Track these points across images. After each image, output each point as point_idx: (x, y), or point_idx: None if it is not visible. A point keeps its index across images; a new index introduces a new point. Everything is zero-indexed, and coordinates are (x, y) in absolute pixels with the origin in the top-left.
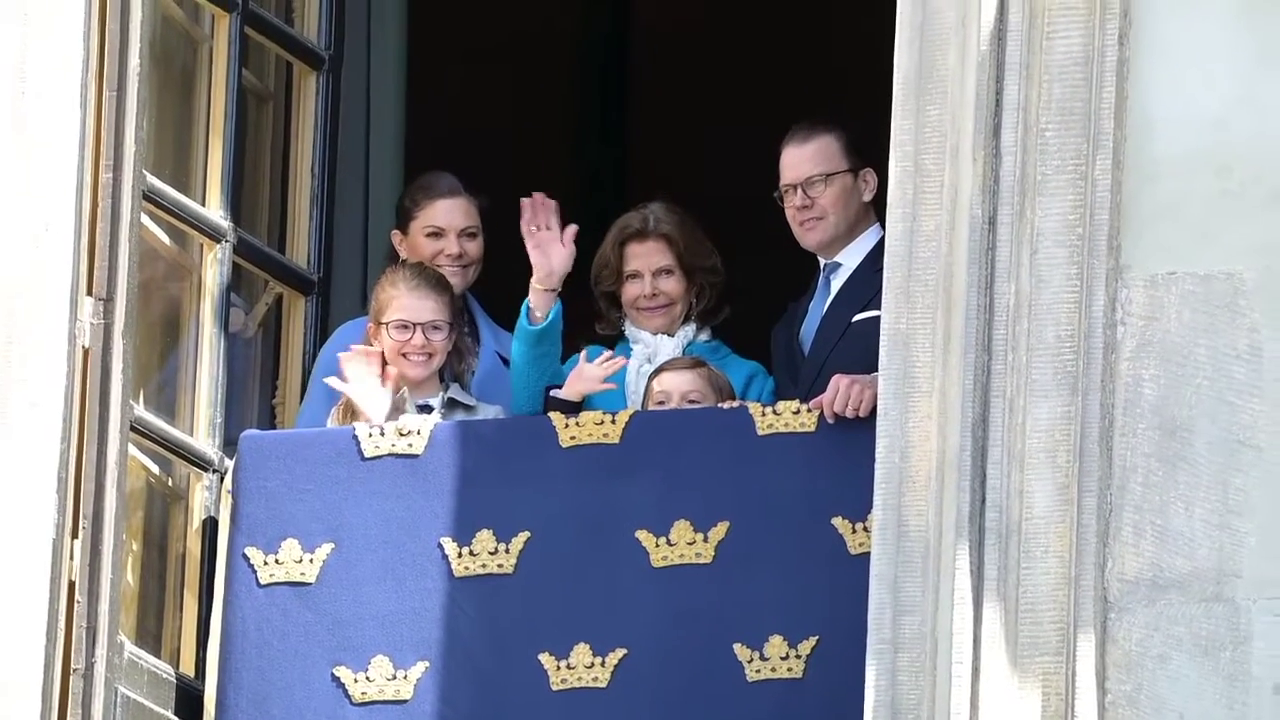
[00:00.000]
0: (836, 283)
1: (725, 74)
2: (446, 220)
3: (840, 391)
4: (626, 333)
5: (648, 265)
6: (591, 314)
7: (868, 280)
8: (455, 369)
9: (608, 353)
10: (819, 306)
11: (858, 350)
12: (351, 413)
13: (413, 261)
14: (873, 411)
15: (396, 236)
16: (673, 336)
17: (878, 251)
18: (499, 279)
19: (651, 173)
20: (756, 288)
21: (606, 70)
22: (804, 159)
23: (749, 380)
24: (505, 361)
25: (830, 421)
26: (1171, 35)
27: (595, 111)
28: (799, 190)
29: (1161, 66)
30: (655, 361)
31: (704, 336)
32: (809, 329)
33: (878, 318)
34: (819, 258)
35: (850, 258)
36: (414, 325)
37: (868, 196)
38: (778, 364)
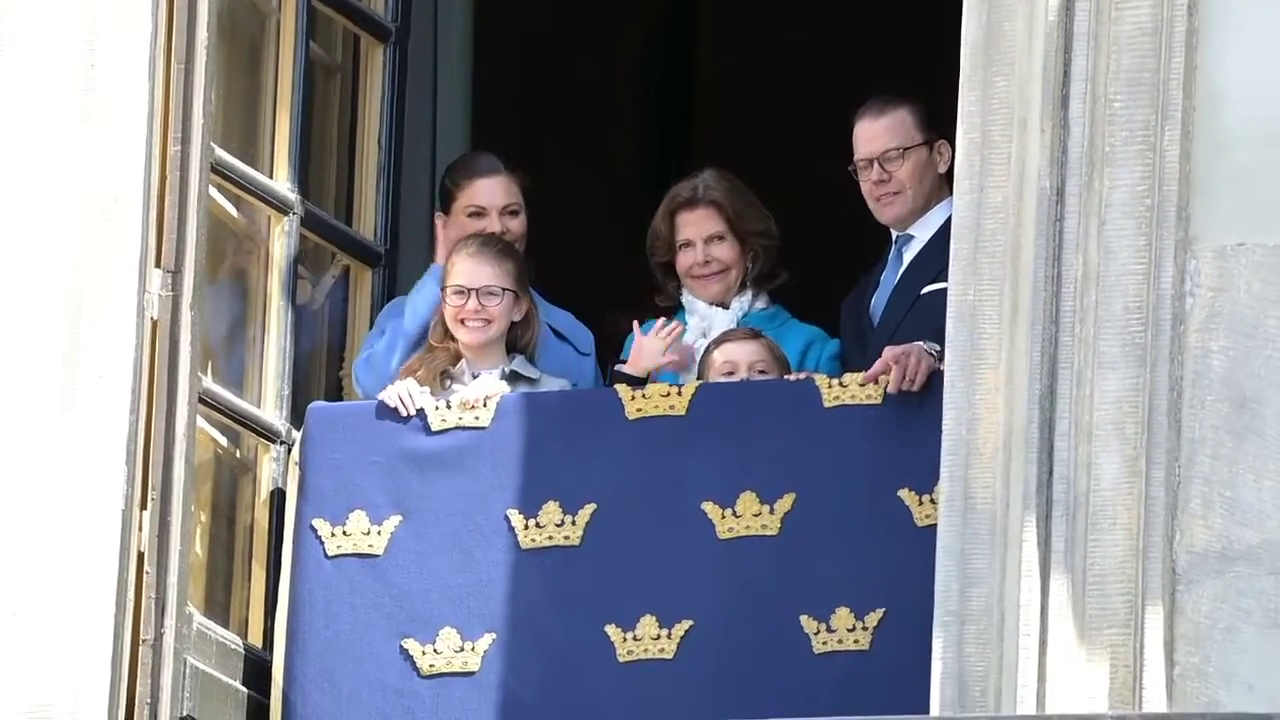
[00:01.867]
0: (909, 254)
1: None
2: (487, 199)
3: (894, 369)
4: (684, 303)
5: (699, 233)
6: (648, 287)
7: (940, 252)
8: (522, 340)
9: (661, 320)
10: (890, 278)
11: (926, 321)
12: (413, 371)
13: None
14: (940, 384)
15: (440, 219)
16: (728, 308)
17: (950, 224)
18: (550, 254)
19: (720, 135)
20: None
21: (675, 35)
22: (879, 132)
23: (808, 346)
24: (556, 334)
25: (892, 392)
26: (1240, 5)
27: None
28: (875, 164)
29: (1231, 36)
30: (710, 334)
31: (761, 304)
32: (879, 300)
33: (946, 289)
34: (891, 230)
35: (923, 230)
36: (469, 290)
37: (943, 169)
38: (846, 335)
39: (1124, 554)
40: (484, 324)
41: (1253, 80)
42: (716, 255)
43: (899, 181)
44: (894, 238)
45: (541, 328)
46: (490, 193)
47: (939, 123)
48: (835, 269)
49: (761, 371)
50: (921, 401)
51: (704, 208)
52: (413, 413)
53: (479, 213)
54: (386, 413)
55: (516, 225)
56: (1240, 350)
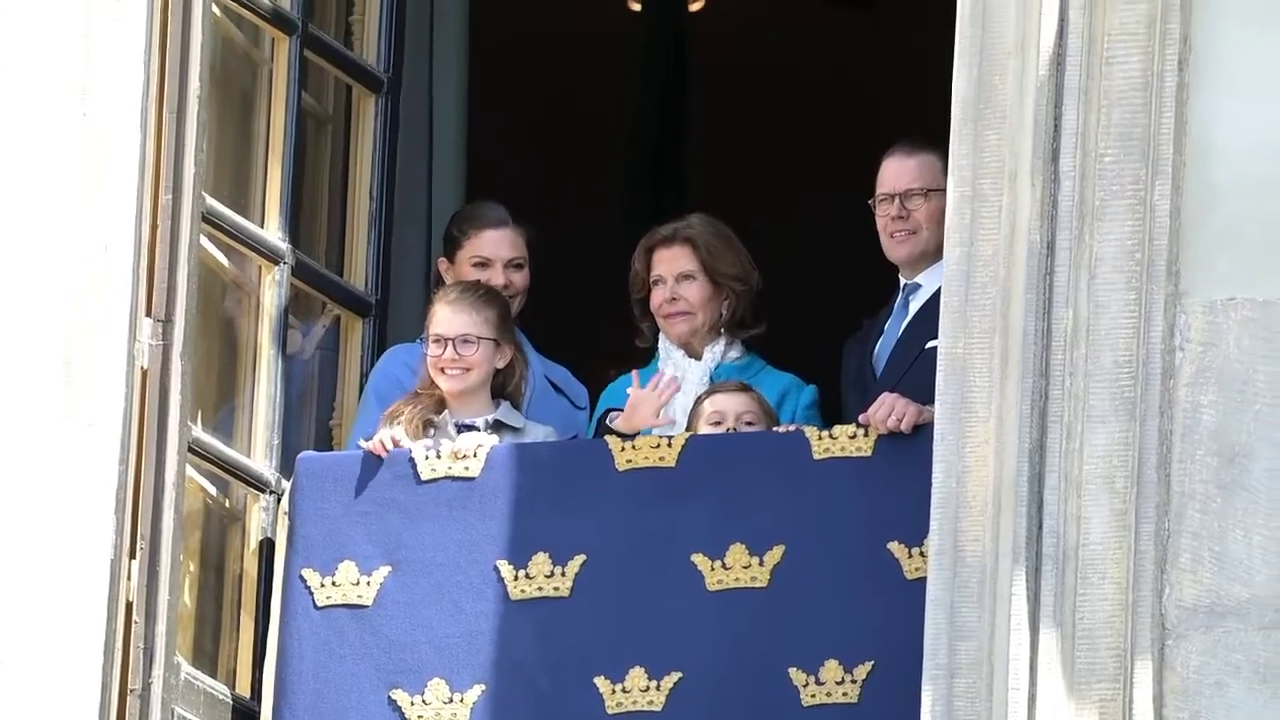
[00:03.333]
0: (915, 304)
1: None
2: (493, 250)
3: (885, 405)
4: (659, 349)
5: (670, 270)
6: (630, 331)
7: None
8: (508, 387)
9: (657, 375)
10: (895, 327)
11: (928, 377)
12: (397, 416)
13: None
14: (930, 436)
15: (443, 264)
16: (700, 359)
17: None
18: (544, 307)
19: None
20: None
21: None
22: (906, 170)
23: (783, 395)
24: (554, 387)
25: (881, 432)
26: (1231, 61)
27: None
28: (896, 200)
29: (1221, 92)
30: (684, 387)
31: (734, 353)
32: (883, 350)
33: None
34: (900, 277)
35: (931, 279)
36: (445, 340)
37: None
38: (848, 380)
39: (1113, 608)
40: (462, 372)
41: (1242, 136)
42: (684, 294)
43: (916, 221)
44: (902, 285)
45: (538, 380)
46: (496, 245)
47: None
48: (816, 318)
49: (749, 423)
50: (911, 454)
51: (679, 245)
52: (390, 450)
53: (484, 263)
54: (376, 463)
55: (519, 279)
56: (1229, 405)
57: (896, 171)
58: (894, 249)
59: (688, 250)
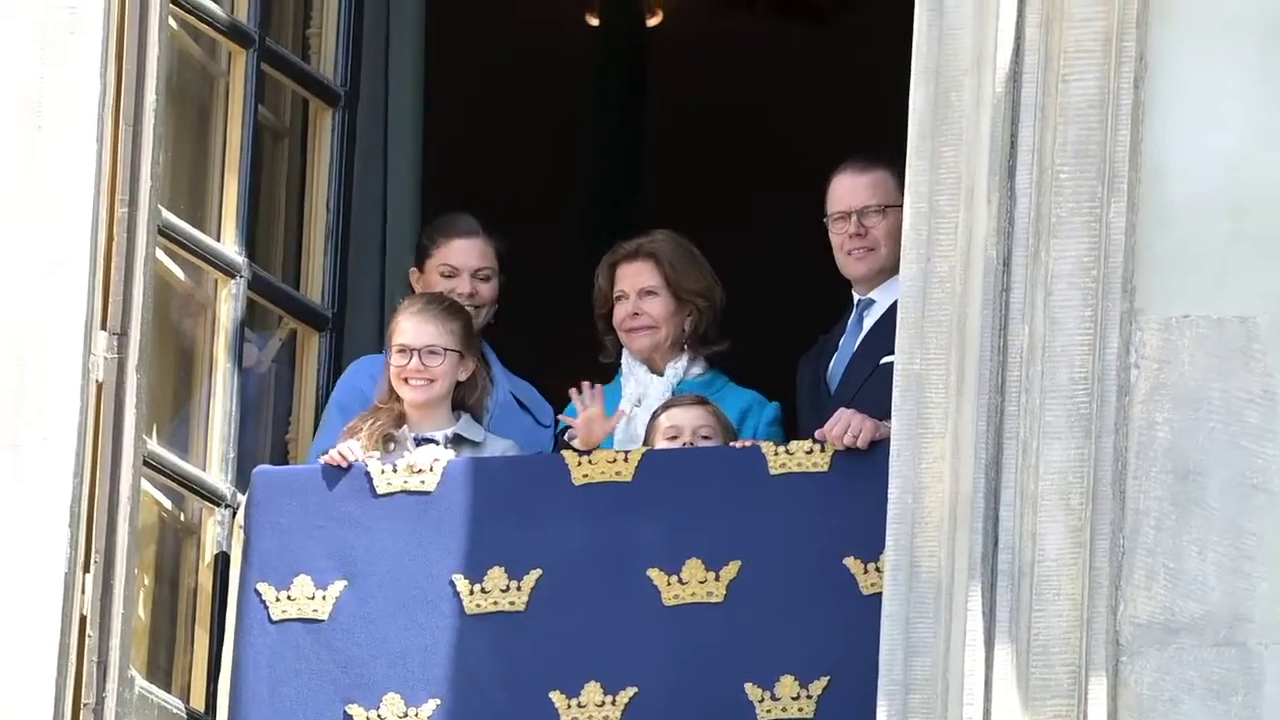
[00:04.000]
0: (869, 320)
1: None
2: (461, 260)
3: (841, 421)
4: (622, 365)
5: (633, 285)
6: (589, 346)
7: None
8: (469, 400)
9: (574, 391)
10: (850, 343)
11: (884, 393)
12: (356, 431)
13: (431, 291)
14: (886, 452)
15: (414, 274)
16: (662, 375)
17: None
18: (501, 321)
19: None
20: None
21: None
22: (860, 187)
23: (745, 411)
24: (519, 403)
25: (837, 448)
26: (1187, 79)
27: (608, 145)
28: (853, 218)
29: (1177, 110)
30: (645, 403)
31: (697, 369)
32: (838, 366)
33: None
34: (853, 293)
35: (885, 296)
36: (411, 350)
37: None
38: (802, 396)
39: (1068, 624)
40: (427, 383)
41: (1198, 153)
42: (647, 309)
43: (875, 238)
44: (855, 301)
45: (503, 395)
46: (465, 254)
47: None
48: (776, 333)
49: (705, 437)
50: (868, 469)
51: (641, 260)
52: (350, 462)
53: (452, 273)
54: (332, 477)
55: (487, 290)
56: (1184, 422)
57: (850, 188)
58: (851, 266)
59: (651, 265)
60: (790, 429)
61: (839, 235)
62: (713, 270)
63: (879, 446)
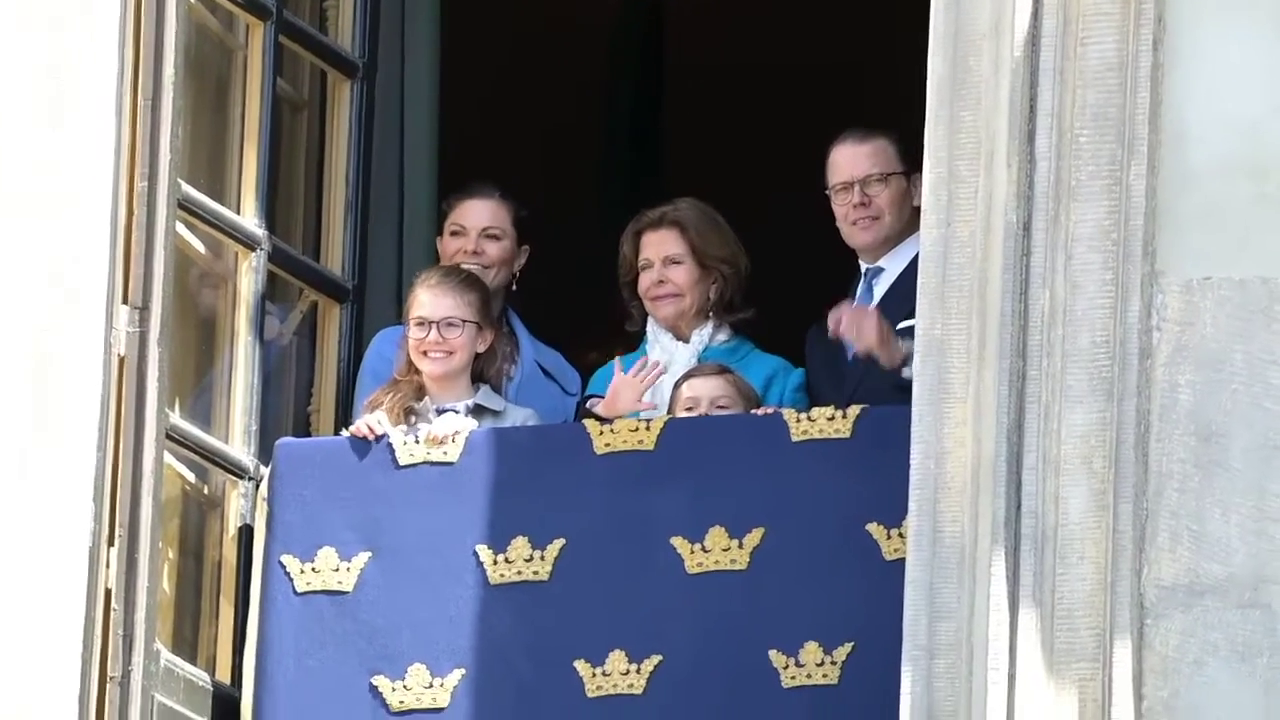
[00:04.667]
0: (880, 288)
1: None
2: (469, 219)
3: (853, 317)
4: (647, 333)
5: (658, 253)
6: (617, 322)
7: (911, 287)
8: (488, 371)
9: (641, 359)
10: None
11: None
12: (377, 405)
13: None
14: (907, 418)
15: (439, 241)
16: (688, 343)
17: None
18: (533, 292)
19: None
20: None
21: (642, 77)
22: (861, 157)
23: (771, 377)
24: (544, 371)
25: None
26: (1206, 40)
27: (625, 118)
28: (856, 188)
29: (1196, 72)
30: (671, 369)
31: (722, 336)
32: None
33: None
34: (860, 262)
35: (894, 263)
36: (429, 323)
37: (917, 201)
38: (814, 366)
39: (1092, 588)
40: (446, 355)
41: (1218, 115)
42: (672, 277)
43: (878, 207)
44: (863, 270)
45: (528, 365)
46: (475, 214)
47: (909, 159)
48: (800, 299)
49: (721, 407)
50: (890, 435)
51: (666, 229)
52: (378, 434)
53: (459, 231)
54: (355, 448)
55: (494, 250)
56: (1207, 384)
57: (851, 159)
58: (856, 236)
59: (675, 233)
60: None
61: (842, 206)
62: (737, 237)
63: (901, 413)
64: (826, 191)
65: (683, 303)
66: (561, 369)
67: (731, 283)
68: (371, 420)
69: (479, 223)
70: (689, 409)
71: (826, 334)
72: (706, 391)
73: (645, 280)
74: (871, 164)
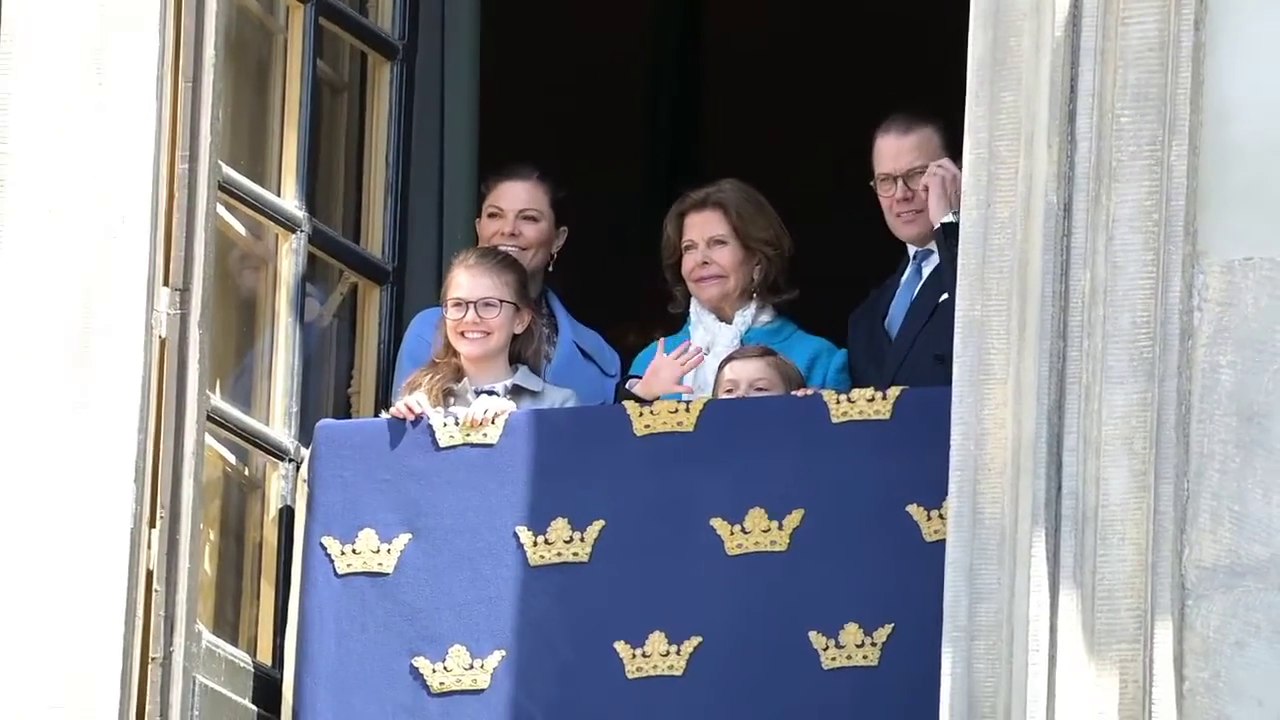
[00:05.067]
0: (928, 268)
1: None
2: (507, 201)
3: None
4: (690, 314)
5: (702, 234)
6: (656, 304)
7: None
8: (526, 352)
9: (685, 343)
10: (908, 293)
11: (945, 329)
12: (416, 386)
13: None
14: (947, 398)
15: (478, 223)
16: (730, 324)
17: None
18: (575, 274)
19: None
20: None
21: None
22: (905, 149)
23: (814, 358)
24: (583, 353)
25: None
26: (1247, 19)
27: (668, 97)
28: (899, 181)
29: (1238, 51)
30: (714, 350)
31: (766, 317)
32: (896, 312)
33: None
34: (908, 246)
35: None
36: (467, 303)
37: None
38: (857, 349)
39: (1133, 569)
40: (483, 335)
41: (1260, 94)
42: (716, 258)
43: (922, 200)
44: (913, 253)
45: (567, 346)
46: (512, 195)
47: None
48: (845, 281)
49: (761, 389)
50: (930, 416)
51: (710, 210)
52: (417, 413)
53: (497, 213)
54: (395, 430)
55: (532, 231)
56: (1248, 364)
57: (895, 151)
58: (902, 229)
59: (719, 215)
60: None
61: (886, 197)
62: (780, 218)
63: (941, 394)
64: (870, 183)
65: (726, 284)
66: (600, 350)
67: (775, 264)
68: (411, 401)
69: (516, 204)
70: (729, 390)
71: (868, 316)
72: (746, 374)
73: (689, 261)
74: (915, 156)
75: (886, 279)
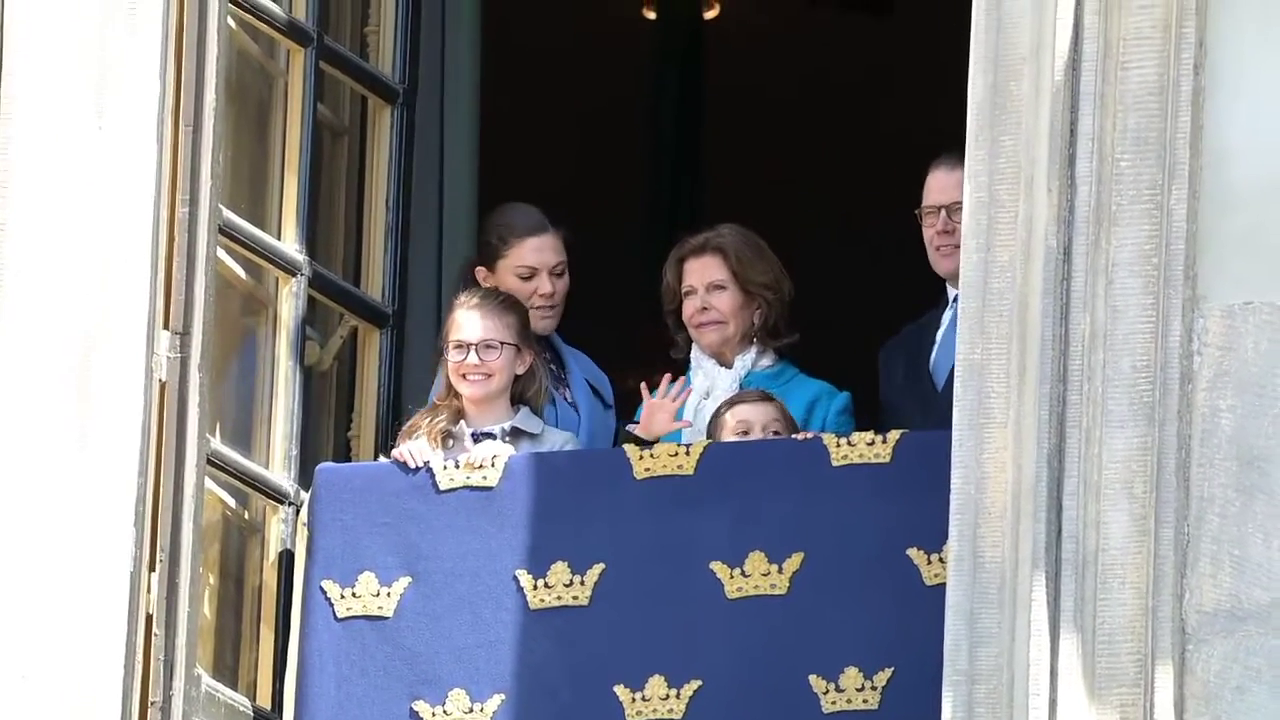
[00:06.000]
0: None
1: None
2: (538, 259)
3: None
4: (691, 359)
5: (701, 280)
6: (656, 347)
7: None
8: (528, 393)
9: (666, 380)
10: (951, 338)
11: None
12: (416, 428)
13: (485, 287)
14: (947, 442)
15: (482, 273)
16: (730, 368)
17: None
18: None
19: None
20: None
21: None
22: (954, 184)
23: (814, 401)
24: (592, 389)
25: None
26: (1246, 64)
27: (668, 141)
28: (943, 213)
29: (1237, 95)
30: (713, 394)
31: (766, 361)
32: (942, 360)
33: None
34: (947, 287)
35: None
36: (467, 345)
37: None
38: (895, 387)
39: (1133, 613)
40: (485, 378)
41: (1259, 138)
42: (715, 304)
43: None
44: (952, 296)
45: (584, 390)
46: (540, 252)
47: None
48: (845, 323)
49: (776, 433)
50: (930, 460)
51: (709, 255)
52: (420, 465)
53: (531, 274)
54: (395, 473)
55: (562, 285)
56: (1248, 409)
57: (942, 184)
58: (940, 262)
59: (718, 260)
60: (865, 419)
61: (929, 230)
62: (780, 262)
63: (940, 438)
64: (916, 212)
65: (726, 330)
66: (600, 380)
67: (775, 308)
68: (415, 449)
69: (549, 261)
70: (743, 433)
71: (906, 352)
72: (759, 418)
73: (689, 307)
74: (959, 191)
75: (921, 314)
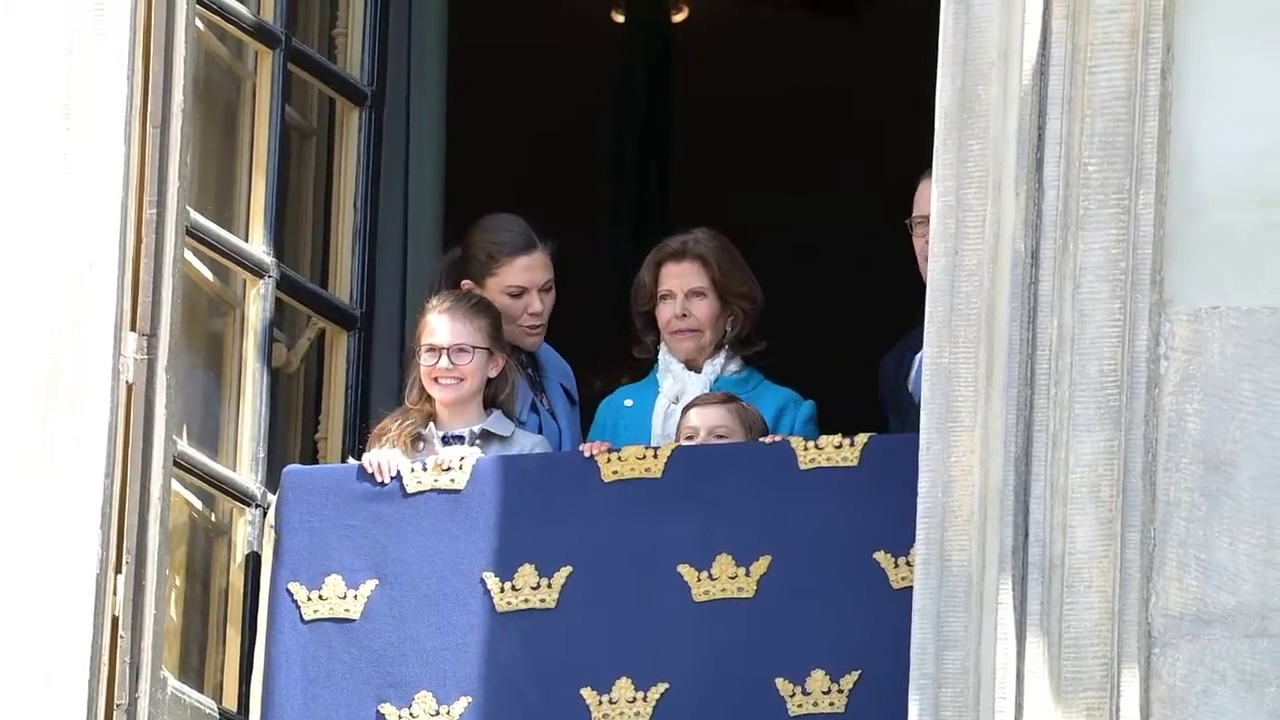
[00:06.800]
0: None
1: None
2: (528, 278)
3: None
4: (659, 360)
5: (681, 286)
6: (624, 350)
7: None
8: (500, 396)
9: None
10: None
11: None
12: (386, 432)
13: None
14: (915, 445)
15: (467, 285)
16: (699, 373)
17: None
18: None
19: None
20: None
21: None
22: None
23: (780, 411)
24: (564, 391)
25: None
26: (1214, 69)
27: (634, 146)
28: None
29: (1204, 100)
30: (682, 400)
31: (734, 367)
32: (919, 376)
33: None
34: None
35: None
36: (439, 349)
37: None
38: (885, 396)
39: (1099, 617)
40: (456, 382)
41: (1226, 143)
42: (694, 311)
43: None
44: None
45: (558, 391)
46: (530, 272)
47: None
48: (810, 332)
49: (720, 437)
50: (897, 463)
51: (690, 261)
52: (389, 480)
53: (521, 292)
54: (362, 476)
55: (549, 300)
56: (1214, 413)
57: (930, 195)
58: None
59: (698, 267)
60: (832, 427)
61: (919, 240)
62: (750, 271)
63: (908, 441)
64: (906, 222)
65: (702, 338)
66: (566, 374)
67: (750, 317)
68: (383, 459)
69: (539, 280)
70: (690, 437)
71: (899, 365)
72: (705, 421)
73: (666, 312)
74: None
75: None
